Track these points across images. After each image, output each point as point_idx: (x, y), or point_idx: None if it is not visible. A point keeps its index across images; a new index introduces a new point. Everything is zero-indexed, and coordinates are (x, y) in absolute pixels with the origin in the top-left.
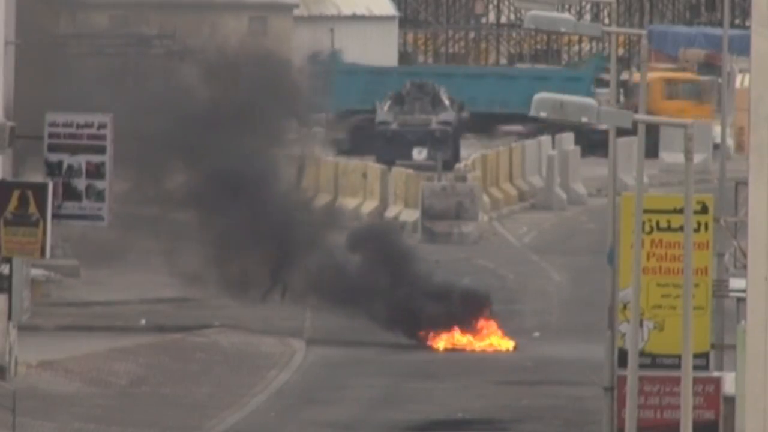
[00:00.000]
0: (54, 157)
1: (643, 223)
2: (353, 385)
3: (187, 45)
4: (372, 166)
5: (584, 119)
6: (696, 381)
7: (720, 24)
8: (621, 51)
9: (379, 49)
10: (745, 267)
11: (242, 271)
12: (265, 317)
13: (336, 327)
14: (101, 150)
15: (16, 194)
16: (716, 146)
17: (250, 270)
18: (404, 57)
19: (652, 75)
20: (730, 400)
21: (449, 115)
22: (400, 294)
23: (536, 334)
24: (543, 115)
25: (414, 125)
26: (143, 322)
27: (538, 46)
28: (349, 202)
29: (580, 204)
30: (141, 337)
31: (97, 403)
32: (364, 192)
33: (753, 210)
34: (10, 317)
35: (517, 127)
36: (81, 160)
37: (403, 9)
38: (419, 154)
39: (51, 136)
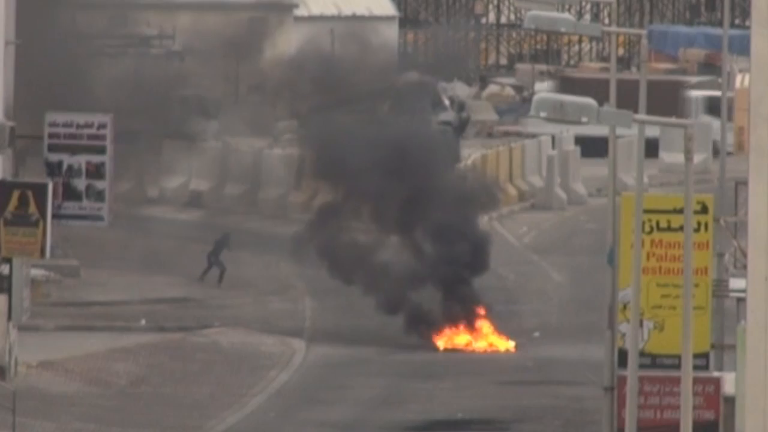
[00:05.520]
0: (54, 157)
1: (643, 223)
2: (353, 385)
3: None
4: None
5: (584, 119)
6: (696, 381)
7: (720, 24)
8: (621, 51)
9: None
10: (745, 267)
11: None
12: (265, 317)
13: (336, 327)
14: (101, 150)
15: (16, 194)
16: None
17: None
18: (404, 57)
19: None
20: (730, 400)
21: (449, 115)
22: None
23: (536, 334)
24: (543, 115)
25: None
26: (143, 322)
27: (538, 46)
28: None
29: (580, 204)
30: (141, 337)
31: (97, 403)
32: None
33: (753, 210)
34: (10, 317)
35: (516, 128)
36: (81, 160)
37: (403, 9)
38: None
39: (51, 136)
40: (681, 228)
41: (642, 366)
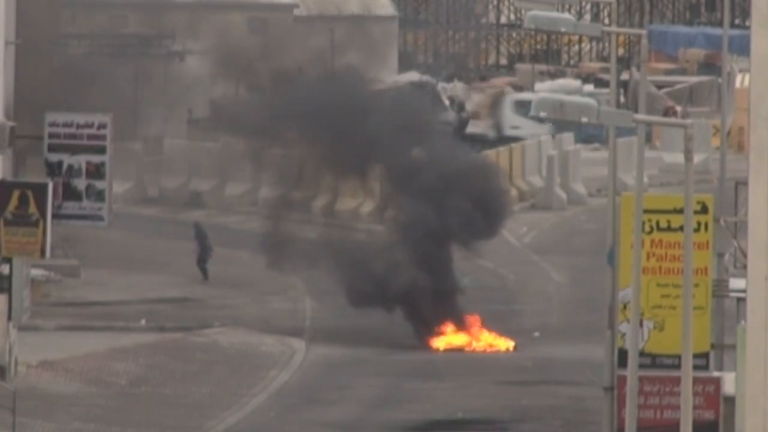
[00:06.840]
0: (54, 157)
1: (643, 223)
2: (353, 385)
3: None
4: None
5: (584, 119)
6: (696, 381)
7: (720, 24)
8: (621, 51)
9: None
10: (745, 267)
11: None
12: (265, 317)
13: (336, 327)
14: (101, 150)
15: (16, 194)
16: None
17: None
18: (404, 57)
19: None
20: (730, 400)
21: (449, 115)
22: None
23: (536, 334)
24: (543, 115)
25: None
26: (143, 322)
27: (538, 46)
28: (349, 202)
29: (580, 204)
30: (141, 337)
31: (97, 403)
32: (364, 192)
33: (753, 210)
34: (10, 317)
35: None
36: (81, 160)
37: (403, 9)
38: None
39: (51, 136)
40: (681, 228)
41: (642, 366)
